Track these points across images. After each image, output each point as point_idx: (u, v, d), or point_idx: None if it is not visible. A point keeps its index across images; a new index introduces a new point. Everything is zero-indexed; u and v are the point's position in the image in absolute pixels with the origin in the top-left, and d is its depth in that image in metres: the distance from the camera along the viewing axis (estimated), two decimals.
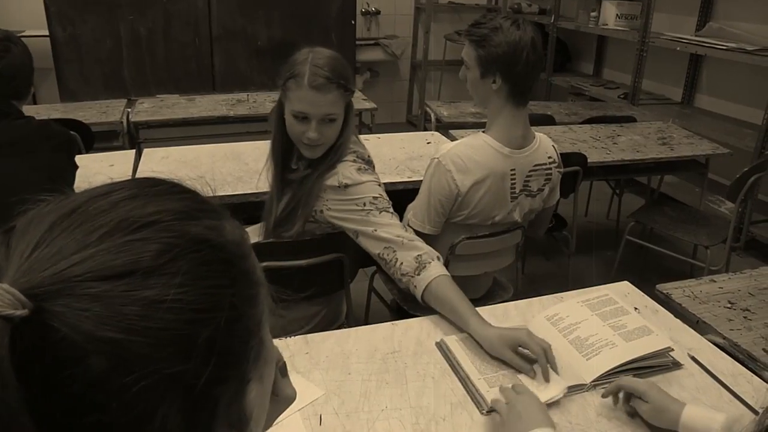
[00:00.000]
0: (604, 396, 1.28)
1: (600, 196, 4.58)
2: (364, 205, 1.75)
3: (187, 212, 0.46)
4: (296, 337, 1.46)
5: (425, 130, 3.90)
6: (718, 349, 1.53)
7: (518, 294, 1.86)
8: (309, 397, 1.27)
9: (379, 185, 1.82)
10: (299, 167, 1.88)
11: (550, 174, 2.11)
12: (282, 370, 0.61)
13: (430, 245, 2.10)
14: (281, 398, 0.59)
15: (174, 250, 0.42)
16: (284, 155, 1.89)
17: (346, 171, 1.77)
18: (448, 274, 1.65)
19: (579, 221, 4.21)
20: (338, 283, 2.06)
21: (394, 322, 1.55)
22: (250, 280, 0.48)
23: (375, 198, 1.76)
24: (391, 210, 1.77)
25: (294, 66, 1.71)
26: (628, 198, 4.44)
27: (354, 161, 1.81)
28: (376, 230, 1.73)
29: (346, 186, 1.76)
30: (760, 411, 0.66)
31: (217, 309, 0.43)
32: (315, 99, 1.69)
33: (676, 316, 1.69)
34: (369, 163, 1.88)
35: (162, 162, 2.63)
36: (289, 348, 1.41)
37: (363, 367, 1.37)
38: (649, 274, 3.56)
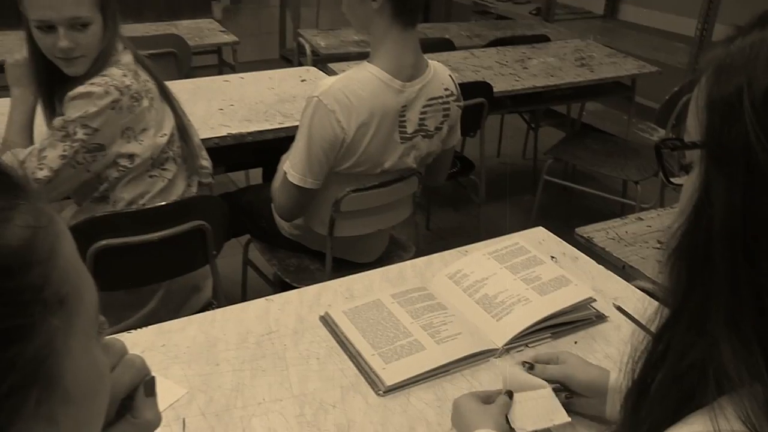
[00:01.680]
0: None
1: (513, 133, 4.73)
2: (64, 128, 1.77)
3: None
4: (147, 328, 1.43)
5: (300, 65, 3.85)
6: (648, 296, 1.62)
7: (421, 253, 1.90)
8: (168, 400, 1.26)
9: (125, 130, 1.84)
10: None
11: (448, 109, 2.14)
12: (148, 387, 0.58)
13: (308, 202, 2.10)
14: (140, 424, 0.58)
15: None
16: (49, 85, 1.90)
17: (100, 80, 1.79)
18: None
19: (490, 163, 4.33)
20: (202, 256, 2.03)
21: (268, 297, 1.55)
22: (34, 297, 0.43)
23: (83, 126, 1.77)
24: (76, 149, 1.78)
25: None
26: (545, 132, 4.61)
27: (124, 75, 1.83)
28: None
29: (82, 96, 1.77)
30: None
31: None
32: (52, 0, 1.72)
33: (599, 263, 1.77)
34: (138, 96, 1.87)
35: None
36: (139, 343, 1.39)
37: (233, 354, 1.37)
38: (575, 219, 3.70)
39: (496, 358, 1.41)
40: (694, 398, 0.62)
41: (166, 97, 1.99)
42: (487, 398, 1.19)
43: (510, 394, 1.19)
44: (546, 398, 1.20)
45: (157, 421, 0.58)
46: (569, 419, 1.18)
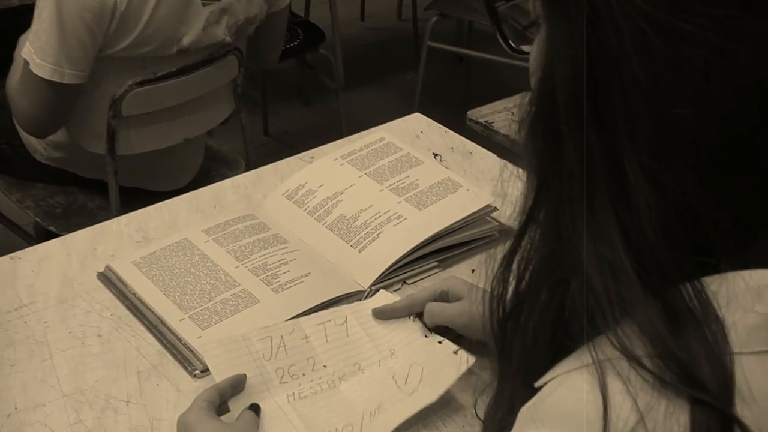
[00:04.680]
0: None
1: None
2: None
3: None
4: None
5: None
6: None
7: (256, 167, 1.88)
8: None
9: None
10: None
11: None
12: None
13: (68, 105, 2.05)
14: None
15: None
16: None
17: None
18: None
19: (350, 30, 4.32)
20: None
21: (12, 255, 1.51)
22: None
23: None
24: None
25: None
26: None
27: None
28: None
29: None
30: None
31: None
32: None
33: (501, 156, 1.79)
34: None
35: None
36: None
37: None
38: (474, 101, 3.76)
39: (365, 299, 1.42)
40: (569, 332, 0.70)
41: None
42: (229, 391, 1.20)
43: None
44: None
45: None
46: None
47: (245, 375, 1.22)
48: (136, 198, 2.19)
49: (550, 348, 0.72)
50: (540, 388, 0.70)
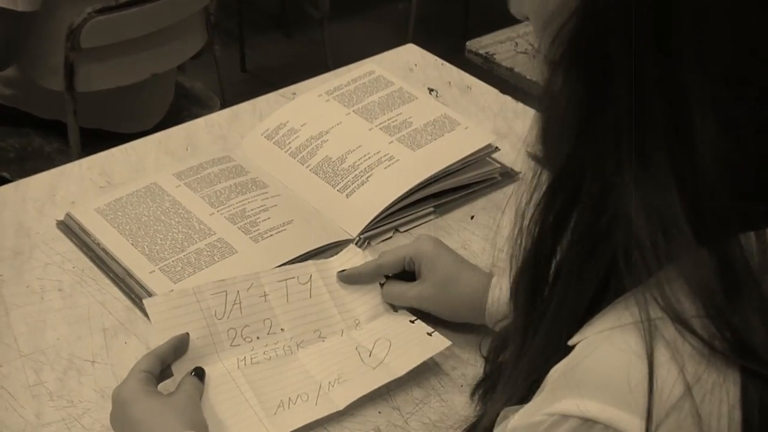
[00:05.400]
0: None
1: None
2: None
3: None
4: None
5: None
6: None
7: (234, 104, 1.87)
8: None
9: None
10: None
11: None
12: None
13: (16, 36, 2.05)
14: None
15: None
16: None
17: None
18: None
19: None
20: None
21: None
22: None
23: None
24: None
25: None
26: None
27: None
28: None
29: None
30: None
31: None
32: None
33: (504, 91, 1.79)
34: None
35: None
36: None
37: None
38: (475, 33, 3.74)
39: (357, 246, 1.41)
40: (609, 286, 0.70)
41: None
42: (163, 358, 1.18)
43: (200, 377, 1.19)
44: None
45: None
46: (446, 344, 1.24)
47: (188, 335, 1.20)
48: (100, 141, 2.17)
49: (583, 305, 0.71)
50: (571, 348, 0.69)
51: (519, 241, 0.77)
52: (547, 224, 0.74)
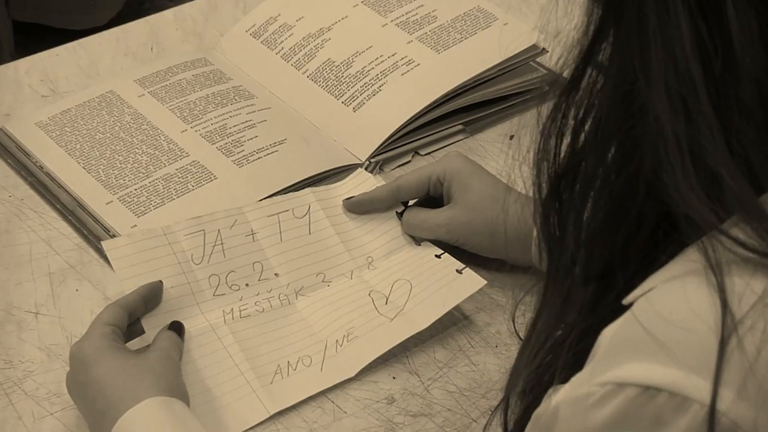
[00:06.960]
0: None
1: None
2: None
3: None
4: None
5: None
6: None
7: None
8: None
9: None
10: None
11: None
12: None
13: None
14: None
15: None
16: None
17: None
18: None
19: None
20: None
21: None
22: None
23: None
24: None
25: None
26: None
27: None
28: None
29: None
30: None
31: None
32: None
33: None
34: None
35: None
36: None
37: None
38: None
39: (367, 170, 1.42)
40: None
41: None
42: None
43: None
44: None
45: None
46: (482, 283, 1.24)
47: (161, 283, 1.20)
48: (39, 40, 2.17)
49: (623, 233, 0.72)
50: (627, 307, 0.69)
51: (537, 149, 0.81)
52: (565, 123, 0.76)
